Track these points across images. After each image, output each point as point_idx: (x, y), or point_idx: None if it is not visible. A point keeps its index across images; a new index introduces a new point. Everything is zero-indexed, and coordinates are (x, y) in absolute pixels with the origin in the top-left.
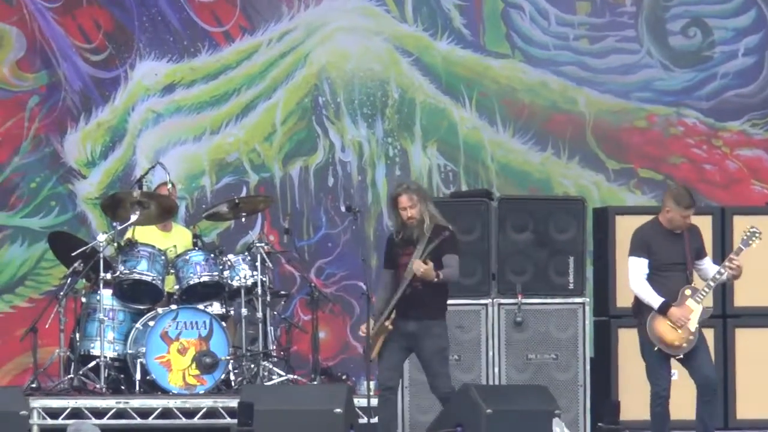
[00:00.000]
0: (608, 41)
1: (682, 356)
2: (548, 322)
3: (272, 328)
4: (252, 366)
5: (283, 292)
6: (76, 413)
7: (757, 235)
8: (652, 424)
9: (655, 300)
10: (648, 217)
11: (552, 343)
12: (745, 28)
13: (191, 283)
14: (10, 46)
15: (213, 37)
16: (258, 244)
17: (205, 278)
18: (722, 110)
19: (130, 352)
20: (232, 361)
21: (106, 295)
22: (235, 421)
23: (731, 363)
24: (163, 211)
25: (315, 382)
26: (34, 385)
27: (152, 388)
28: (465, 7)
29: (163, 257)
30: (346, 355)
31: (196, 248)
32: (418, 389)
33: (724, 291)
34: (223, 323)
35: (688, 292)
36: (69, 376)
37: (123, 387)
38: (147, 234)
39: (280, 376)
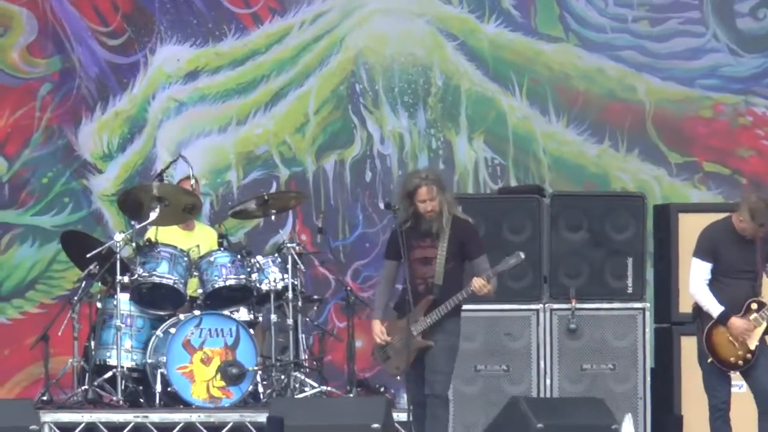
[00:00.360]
0: (671, 23)
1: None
2: (605, 329)
3: (304, 335)
4: (282, 377)
5: (316, 297)
6: (91, 428)
7: None
8: None
9: (715, 308)
10: (713, 216)
11: (609, 352)
12: None
13: (216, 286)
14: (20, 29)
15: (240, 19)
16: (289, 245)
17: (232, 281)
18: None
19: (149, 361)
20: (260, 371)
21: (123, 300)
22: None
23: None
24: (185, 209)
25: (350, 395)
26: (45, 398)
27: (173, 400)
28: None
29: (185, 258)
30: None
31: (222, 249)
32: (463, 402)
33: None
34: (251, 330)
35: (754, 306)
36: (83, 388)
37: (142, 400)
38: (168, 233)
39: (313, 388)
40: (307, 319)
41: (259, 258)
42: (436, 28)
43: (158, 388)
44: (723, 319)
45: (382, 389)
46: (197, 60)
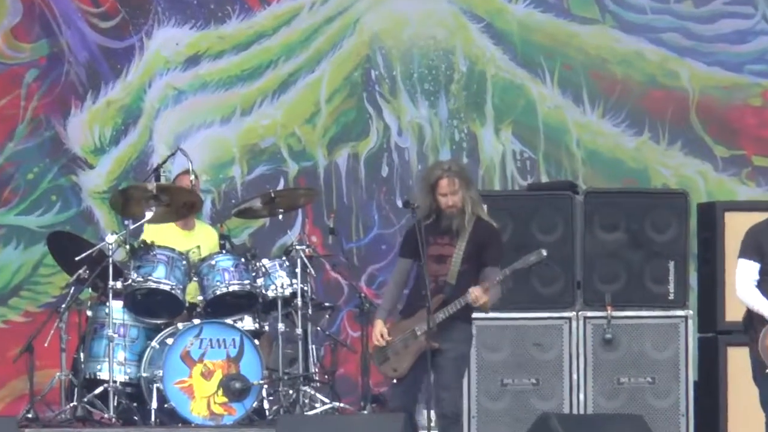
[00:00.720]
0: (716, 4)
1: None
2: (643, 339)
3: (314, 346)
4: (290, 392)
5: (327, 304)
6: None
7: None
8: None
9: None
10: (763, 215)
11: (648, 365)
12: None
13: (218, 293)
14: (3, 10)
15: None
16: (298, 247)
17: (235, 287)
18: None
19: (144, 375)
20: (266, 386)
21: (116, 308)
22: None
23: None
24: (184, 207)
25: (365, 412)
26: (30, 415)
27: (171, 418)
28: None
29: (184, 262)
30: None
31: (224, 251)
32: (489, 420)
33: None
34: (256, 341)
35: None
36: (72, 405)
37: (136, 417)
38: (165, 234)
39: (324, 404)
40: (318, 329)
41: (265, 261)
42: (459, 8)
43: (154, 404)
44: None
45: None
46: (198, 44)
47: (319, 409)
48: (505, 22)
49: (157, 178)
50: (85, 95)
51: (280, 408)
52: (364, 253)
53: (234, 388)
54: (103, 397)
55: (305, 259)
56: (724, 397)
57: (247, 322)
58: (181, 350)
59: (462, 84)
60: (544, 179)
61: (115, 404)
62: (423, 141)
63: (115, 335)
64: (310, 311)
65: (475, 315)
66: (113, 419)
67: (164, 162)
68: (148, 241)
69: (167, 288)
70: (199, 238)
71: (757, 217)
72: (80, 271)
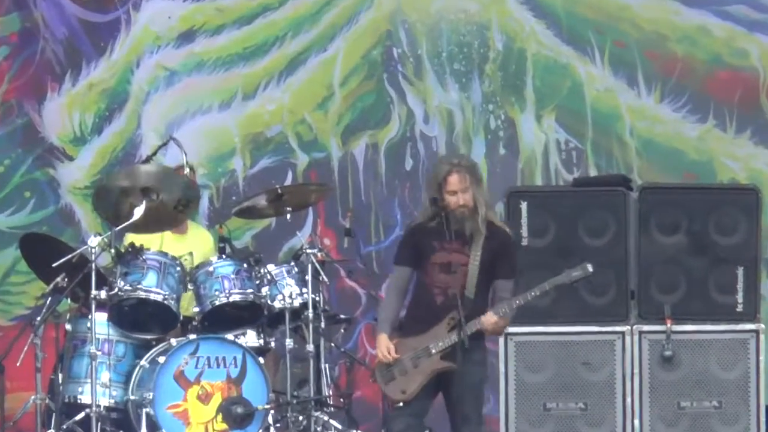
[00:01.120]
0: None
1: None
2: (708, 356)
3: (328, 365)
4: (300, 418)
5: (342, 317)
6: None
7: None
8: None
9: None
10: None
11: (713, 386)
12: None
13: (217, 303)
14: None
15: None
16: (309, 251)
17: (236, 297)
18: None
19: (132, 398)
20: (272, 411)
21: (99, 321)
22: None
23: None
24: (177, 204)
25: None
26: None
27: None
28: None
29: (178, 268)
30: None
31: (224, 256)
32: None
33: None
34: (261, 359)
35: None
36: None
37: None
38: (152, 238)
39: (339, 431)
40: (332, 345)
41: (270, 267)
42: None
43: (143, 431)
44: None
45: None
46: (193, 17)
47: None
48: None
49: None
50: (63, 76)
51: None
52: (384, 257)
53: (235, 414)
54: (85, 423)
55: (317, 265)
56: None
57: (251, 338)
58: (175, 370)
59: (498, 63)
60: (593, 173)
61: (99, 431)
62: (453, 129)
63: (99, 353)
64: (322, 325)
65: (512, 330)
66: None
67: (154, 153)
68: (137, 244)
69: (159, 298)
70: (192, 244)
71: None
72: (58, 279)
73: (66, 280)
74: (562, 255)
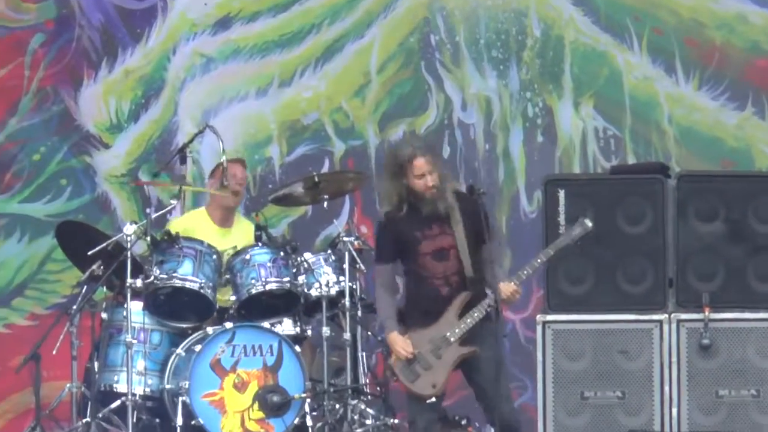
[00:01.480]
0: None
1: None
2: (746, 345)
3: (364, 354)
4: (337, 406)
5: None
6: None
7: None
8: None
9: None
10: None
11: (752, 375)
12: None
13: (253, 292)
14: None
15: None
16: (345, 239)
17: (273, 286)
18: None
19: (168, 387)
20: (309, 400)
21: (135, 310)
22: None
23: None
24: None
25: None
26: None
27: None
28: None
29: (214, 256)
30: (466, 392)
31: (260, 244)
32: None
33: None
34: (297, 348)
35: None
36: (84, 421)
37: None
38: (198, 232)
39: (376, 420)
40: (369, 333)
41: (307, 256)
42: None
43: (179, 420)
44: None
45: (463, 422)
46: (229, 4)
47: (370, 425)
48: None
49: (183, 160)
50: (99, 64)
51: (325, 425)
52: None
53: (272, 402)
54: (121, 412)
55: (354, 253)
56: None
57: (287, 326)
58: (211, 358)
59: (536, 51)
60: (631, 161)
61: (134, 420)
62: (491, 116)
63: (134, 341)
64: (359, 313)
65: (550, 318)
66: None
67: (191, 141)
68: (173, 232)
69: (194, 287)
70: (236, 238)
71: None
72: (94, 267)
73: (102, 268)
74: (599, 243)
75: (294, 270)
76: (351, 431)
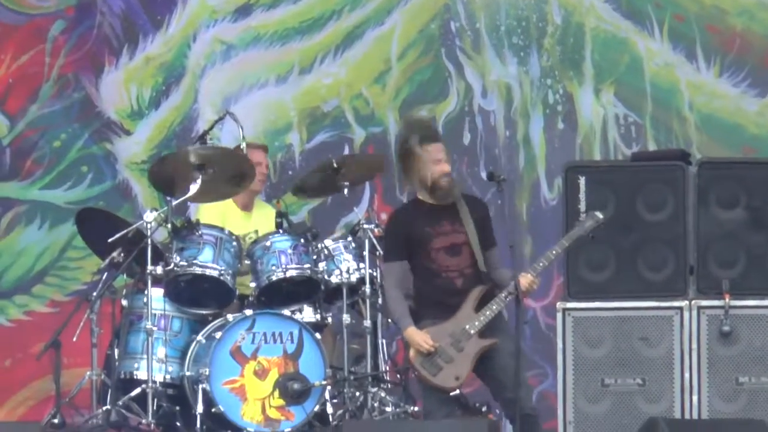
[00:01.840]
0: None
1: None
2: (767, 332)
3: (385, 341)
4: (357, 394)
5: None
6: None
7: None
8: None
9: None
10: None
11: None
12: None
13: (274, 279)
14: None
15: None
16: (366, 226)
17: (293, 272)
18: None
19: (188, 374)
20: (329, 387)
21: (155, 297)
22: None
23: None
24: (233, 178)
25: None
26: (56, 421)
27: (219, 424)
28: None
29: (234, 243)
30: None
31: (280, 231)
32: (588, 425)
33: None
34: (318, 335)
35: None
36: (104, 408)
37: (179, 423)
38: (222, 215)
39: (396, 407)
40: (389, 321)
41: (327, 243)
42: None
43: (200, 408)
44: None
45: (483, 409)
46: None
47: (390, 413)
48: None
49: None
50: (120, 51)
51: (346, 412)
52: None
53: (292, 390)
54: (141, 399)
55: (374, 240)
56: None
57: (307, 313)
58: (231, 345)
59: (556, 38)
60: (652, 147)
61: (155, 408)
62: (511, 103)
63: (155, 328)
64: (380, 300)
65: (570, 305)
66: (152, 425)
67: (211, 128)
68: (193, 220)
69: (215, 274)
70: (257, 222)
71: None
72: (114, 254)
73: (122, 255)
74: (620, 230)
75: (314, 257)
76: (371, 419)
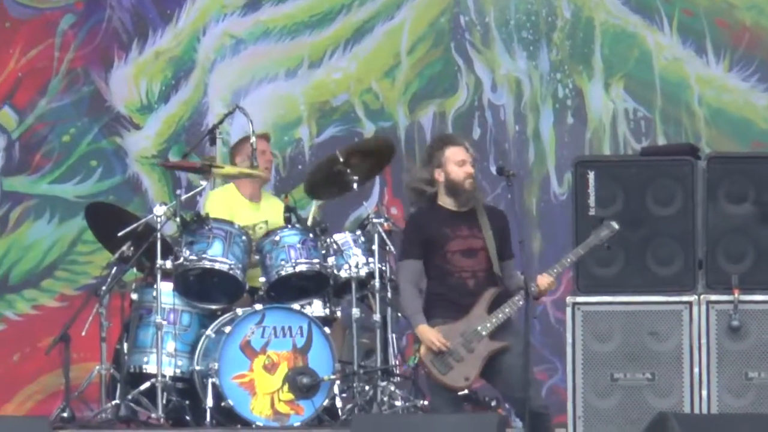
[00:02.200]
0: None
1: None
2: None
3: (395, 335)
4: (366, 388)
5: None
6: None
7: None
8: None
9: None
10: None
11: None
12: None
13: (283, 273)
14: None
15: None
16: (375, 220)
17: (302, 267)
18: None
19: (198, 369)
20: (338, 381)
21: (165, 291)
22: None
23: None
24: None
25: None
26: (65, 415)
27: (229, 418)
28: None
29: (243, 238)
30: None
31: (290, 225)
32: (597, 419)
33: None
34: (327, 329)
35: None
36: (114, 403)
37: (188, 417)
38: (231, 205)
39: (405, 401)
40: (399, 315)
41: (337, 237)
42: None
43: (209, 402)
44: None
45: (492, 403)
46: None
47: (400, 407)
48: None
49: (213, 141)
50: (129, 45)
51: (355, 407)
52: None
53: (301, 384)
54: (150, 393)
55: (384, 234)
56: None
57: (317, 308)
58: (241, 340)
59: (566, 32)
60: (661, 142)
61: (164, 402)
62: (521, 98)
63: (164, 322)
64: (389, 294)
65: (579, 300)
66: (162, 419)
67: (221, 122)
68: (203, 214)
69: (224, 268)
70: (267, 212)
71: None
72: (124, 248)
73: (132, 249)
74: (629, 224)
75: (324, 251)
76: (380, 413)
